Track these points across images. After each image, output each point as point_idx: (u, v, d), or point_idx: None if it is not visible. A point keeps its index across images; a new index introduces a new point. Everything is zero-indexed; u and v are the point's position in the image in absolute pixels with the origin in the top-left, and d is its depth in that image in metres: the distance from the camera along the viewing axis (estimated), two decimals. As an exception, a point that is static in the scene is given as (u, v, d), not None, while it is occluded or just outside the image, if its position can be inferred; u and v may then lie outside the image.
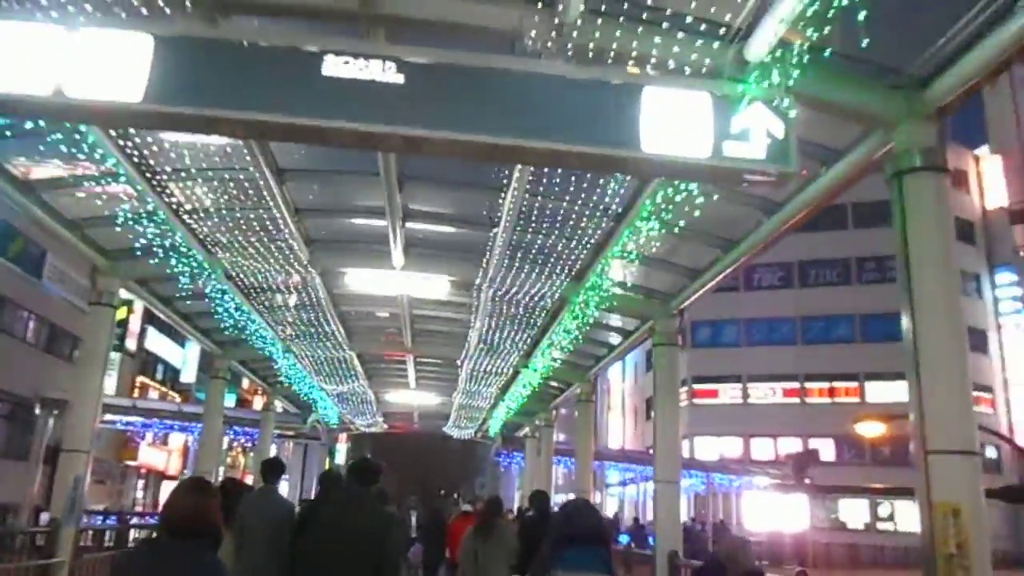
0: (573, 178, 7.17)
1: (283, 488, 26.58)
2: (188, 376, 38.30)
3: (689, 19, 4.68)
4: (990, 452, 37.50)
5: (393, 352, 15.36)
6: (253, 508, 5.46)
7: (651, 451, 34.02)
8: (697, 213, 6.96)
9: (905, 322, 4.63)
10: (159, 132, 6.72)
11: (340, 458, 48.07)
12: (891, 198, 4.87)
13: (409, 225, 8.83)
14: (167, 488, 37.19)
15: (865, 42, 4.07)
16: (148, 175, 7.13)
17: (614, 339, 12.48)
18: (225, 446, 38.77)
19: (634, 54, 4.75)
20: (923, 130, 4.71)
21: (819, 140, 5.76)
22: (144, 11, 4.75)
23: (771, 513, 29.10)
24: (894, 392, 35.85)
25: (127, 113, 4.38)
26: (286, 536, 5.52)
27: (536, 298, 10.07)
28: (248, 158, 7.10)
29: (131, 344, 31.95)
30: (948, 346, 4.40)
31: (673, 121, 4.47)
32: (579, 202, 7.64)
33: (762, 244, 7.40)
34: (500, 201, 7.78)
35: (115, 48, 4.20)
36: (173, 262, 9.14)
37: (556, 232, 8.37)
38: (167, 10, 4.74)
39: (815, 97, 4.82)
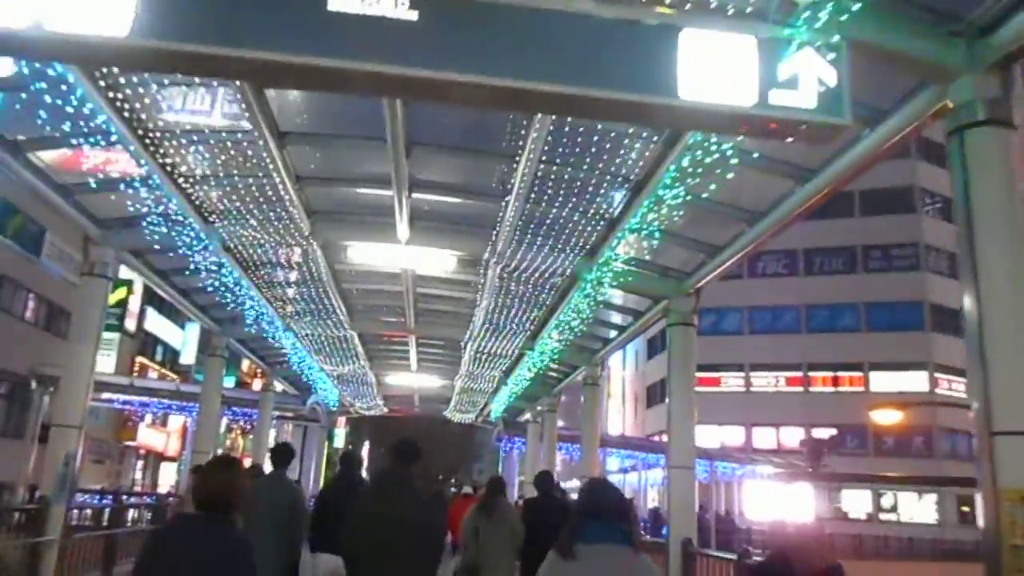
0: (593, 141, 6.75)
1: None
2: (188, 358, 38.02)
3: (731, -44, 4.26)
4: None
5: (395, 333, 14.97)
6: (262, 493, 5.45)
7: (653, 439, 33.72)
8: (724, 181, 6.55)
9: (968, 292, 4.22)
10: (152, 85, 6.30)
11: (339, 442, 47.87)
12: (950, 157, 4.45)
13: (416, 195, 8.41)
14: (166, 469, 37.06)
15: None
16: (140, 133, 6.70)
17: (624, 320, 12.09)
18: (224, 428, 38.68)
19: (670, -8, 4.32)
20: (987, 80, 4.29)
21: (861, 98, 5.32)
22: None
23: (775, 503, 28.88)
24: (899, 382, 35.67)
25: (113, 50, 3.98)
26: (298, 520, 5.70)
27: (546, 275, 9.66)
28: (247, 117, 6.67)
29: (131, 324, 31.67)
30: (1017, 314, 3.99)
31: (714, 66, 4.06)
32: (597, 170, 7.23)
33: (790, 217, 6.97)
34: (513, 169, 7.36)
35: (99, -25, 3.78)
36: (169, 232, 8.74)
37: (571, 203, 7.96)
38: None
39: (868, 44, 4.39)
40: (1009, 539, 3.52)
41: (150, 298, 31.67)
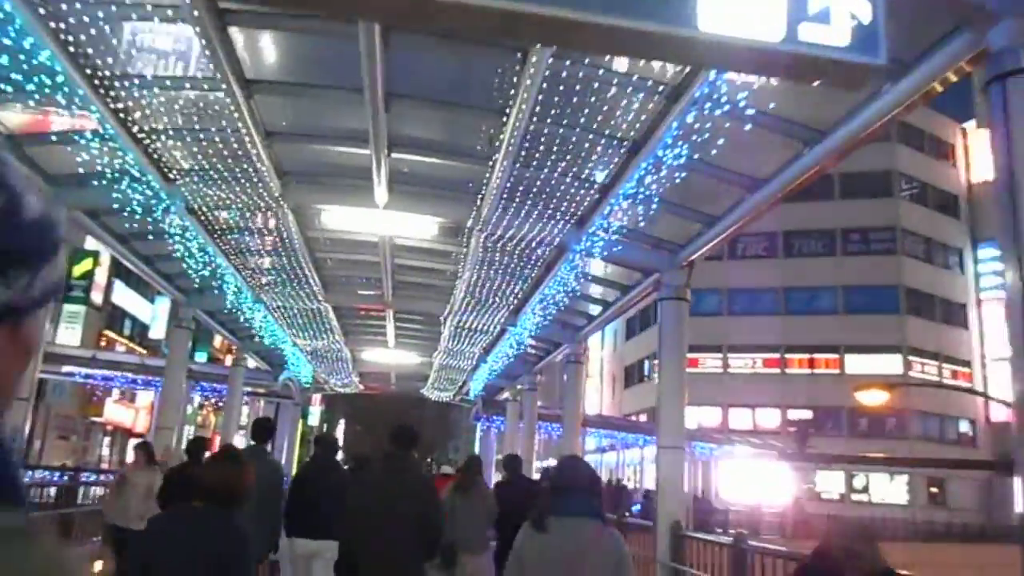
0: (590, 96, 6.25)
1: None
2: (157, 332, 36.97)
3: None
4: (964, 427, 37.88)
5: (372, 306, 14.41)
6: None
7: (631, 418, 33.54)
8: (727, 142, 6.10)
9: (1009, 264, 3.81)
10: (100, 19, 5.65)
11: (313, 420, 47.21)
12: (990, 108, 4.03)
13: (395, 155, 7.84)
14: (132, 445, 36.30)
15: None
16: (89, 73, 6.02)
17: (611, 296, 11.66)
18: (196, 405, 37.85)
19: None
20: (1035, 22, 3.86)
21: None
22: None
23: (751, 484, 28.98)
24: (873, 364, 35.91)
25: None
26: (279, 499, 5.77)
27: (533, 245, 9.17)
28: (209, 61, 6.05)
29: (97, 297, 30.62)
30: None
31: (738, -5, 3.57)
32: (592, 129, 6.73)
33: (793, 184, 6.53)
34: (501, 125, 6.83)
35: None
36: (126, 189, 8.08)
37: (562, 166, 7.45)
38: None
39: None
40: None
41: (118, 271, 30.65)
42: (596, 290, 11.73)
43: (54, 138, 6.94)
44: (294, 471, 15.58)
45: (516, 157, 7.27)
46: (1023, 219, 3.79)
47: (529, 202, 8.33)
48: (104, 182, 8.08)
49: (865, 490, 36.52)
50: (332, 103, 7.22)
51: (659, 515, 7.80)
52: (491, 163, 7.50)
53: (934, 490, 35.78)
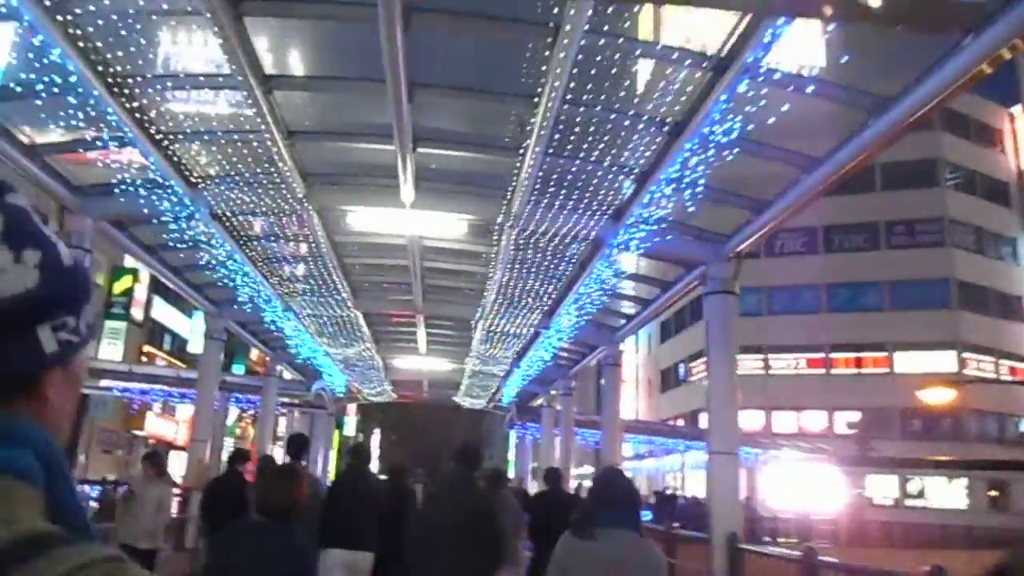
0: (626, 76, 5.78)
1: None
2: (196, 346, 37.37)
3: None
4: (1024, 426, 36.12)
5: (402, 312, 14.07)
6: None
7: (669, 424, 32.58)
8: (775, 117, 5.58)
9: None
10: (113, 19, 5.37)
11: (349, 430, 47.21)
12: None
13: (421, 150, 7.45)
14: (176, 458, 36.59)
15: None
16: (100, 70, 5.73)
17: (650, 293, 11.13)
18: (235, 417, 38.07)
19: None
20: None
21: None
22: None
23: (798, 490, 27.82)
24: (925, 362, 34.46)
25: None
26: (315, 510, 5.65)
27: (567, 240, 8.70)
28: (225, 55, 5.74)
29: (137, 314, 31.07)
30: None
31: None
32: (630, 109, 6.25)
33: (854, 161, 5.96)
34: (530, 111, 6.39)
35: None
36: (150, 197, 7.85)
37: (597, 152, 6.98)
38: None
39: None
40: None
41: (156, 287, 31.08)
42: (634, 287, 11.20)
43: (60, 141, 6.68)
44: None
45: (548, 145, 6.82)
46: None
47: (562, 194, 7.87)
48: (128, 190, 7.87)
49: (921, 495, 34.91)
50: (353, 96, 6.88)
51: (713, 526, 7.24)
52: (521, 153, 7.07)
53: (994, 493, 34.09)
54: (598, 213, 8.07)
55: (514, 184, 7.71)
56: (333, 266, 10.84)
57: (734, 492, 7.76)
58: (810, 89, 5.07)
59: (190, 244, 9.39)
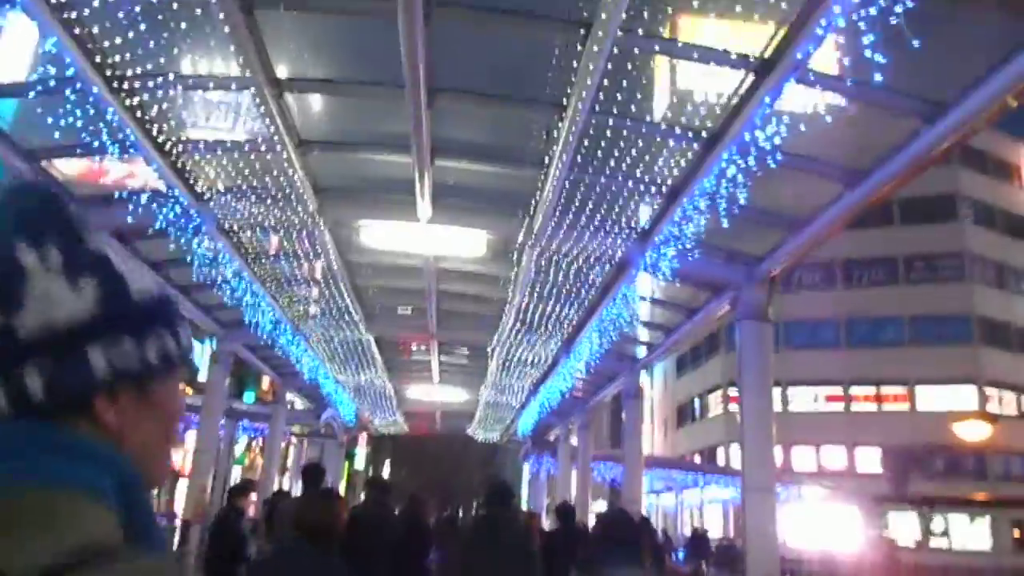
0: (659, 81, 5.41)
1: (297, 488, 24.98)
2: (206, 375, 37.03)
3: None
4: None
5: (416, 337, 13.65)
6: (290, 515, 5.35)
7: (686, 458, 31.77)
8: (824, 124, 5.17)
9: None
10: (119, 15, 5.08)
11: (359, 462, 46.40)
12: None
13: (439, 163, 7.10)
14: (182, 487, 35.89)
15: None
16: (97, 62, 5.37)
17: (674, 319, 10.65)
18: (244, 447, 37.46)
19: None
20: None
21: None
22: None
23: (818, 529, 26.84)
24: (946, 398, 33.57)
25: None
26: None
27: (591, 261, 8.28)
28: (234, 52, 5.43)
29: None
30: None
31: None
32: (663, 119, 5.88)
33: (905, 173, 5.55)
34: (556, 121, 6.04)
35: None
36: (154, 208, 7.51)
37: (625, 166, 6.59)
38: None
39: None
40: None
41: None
42: (658, 314, 10.74)
43: (58, 144, 6.36)
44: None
45: (574, 158, 6.44)
46: None
47: (587, 212, 7.47)
48: (132, 199, 7.55)
49: (944, 534, 33.75)
50: (369, 102, 6.56)
51: (749, 570, 6.66)
52: (544, 167, 6.69)
53: (1017, 533, 32.84)
54: (624, 232, 7.66)
55: (536, 200, 7.33)
56: (346, 287, 10.46)
57: (772, 532, 7.19)
58: (855, 94, 4.66)
59: (197, 260, 9.04)
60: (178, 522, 15.54)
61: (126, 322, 0.77)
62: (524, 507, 24.24)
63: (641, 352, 12.21)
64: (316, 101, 6.59)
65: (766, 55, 4.98)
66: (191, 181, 7.27)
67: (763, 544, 6.95)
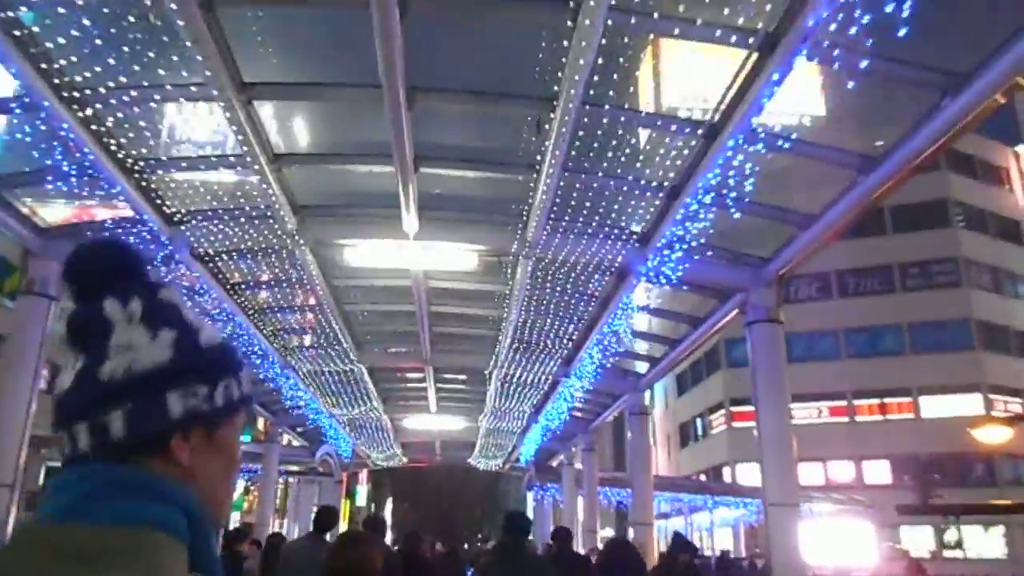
0: (655, 64, 5.02)
1: (295, 530, 24.14)
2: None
3: None
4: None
5: (410, 364, 13.12)
6: (296, 556, 5.51)
7: (695, 477, 31.09)
8: (832, 104, 4.78)
9: None
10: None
11: (361, 499, 45.30)
12: None
13: (424, 170, 6.67)
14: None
15: None
16: (43, 69, 4.93)
17: (677, 332, 10.18)
18: (241, 490, 36.47)
19: None
20: None
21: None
22: None
23: (830, 544, 26.14)
24: (951, 406, 33.09)
25: None
26: None
27: (589, 270, 7.83)
28: (197, 56, 5.01)
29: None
30: None
31: None
32: (662, 108, 5.47)
33: (924, 154, 5.14)
34: (548, 116, 5.63)
35: None
36: (122, 235, 7.03)
37: (621, 162, 6.18)
38: None
39: None
40: None
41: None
42: (661, 326, 10.27)
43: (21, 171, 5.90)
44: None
45: (567, 157, 6.03)
46: None
47: (583, 217, 7.05)
48: (99, 229, 7.09)
49: (959, 545, 33.08)
50: (346, 106, 6.14)
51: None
52: (536, 169, 6.27)
53: (1031, 540, 32.17)
54: (623, 237, 7.23)
55: (529, 206, 6.90)
56: (333, 314, 9.96)
57: (797, 549, 6.65)
58: (870, 68, 4.27)
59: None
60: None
61: (198, 369, 0.84)
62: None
63: (644, 367, 11.71)
64: (289, 110, 6.18)
65: (770, 28, 4.60)
66: (159, 203, 6.81)
67: (790, 560, 6.42)
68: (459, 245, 7.84)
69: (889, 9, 3.61)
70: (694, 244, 6.96)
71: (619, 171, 6.39)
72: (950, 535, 33.07)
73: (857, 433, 35.27)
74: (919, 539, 32.87)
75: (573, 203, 6.89)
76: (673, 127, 5.65)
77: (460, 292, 9.80)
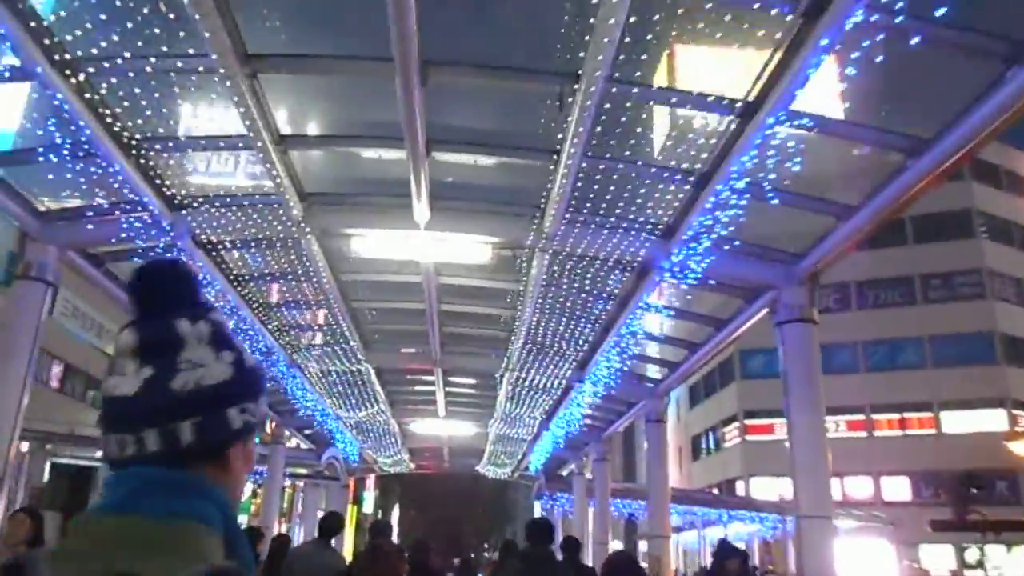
0: (687, 40, 4.63)
1: (300, 535, 23.77)
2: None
3: None
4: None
5: (418, 366, 12.73)
6: (300, 561, 5.62)
7: (707, 491, 30.48)
8: (879, 74, 4.37)
9: None
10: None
11: (368, 506, 44.92)
12: None
13: (436, 155, 6.30)
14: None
15: None
16: (44, 45, 4.63)
17: (699, 335, 9.73)
18: (249, 493, 36.24)
19: None
20: None
21: None
22: None
23: (851, 562, 25.45)
24: (973, 421, 32.24)
25: None
26: None
27: (609, 266, 7.42)
28: (198, 25, 4.68)
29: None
30: None
31: None
32: (692, 90, 5.07)
33: (984, 134, 4.70)
34: (570, 93, 5.24)
35: None
36: (120, 217, 6.73)
37: (649, 145, 5.78)
38: None
39: None
40: None
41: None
42: (682, 328, 9.83)
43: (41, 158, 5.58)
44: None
45: (589, 139, 5.63)
46: None
47: (604, 207, 6.64)
48: (98, 212, 6.78)
49: (980, 565, 32.14)
50: (355, 84, 5.78)
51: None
52: (556, 153, 5.87)
53: (1054, 561, 31.20)
54: (647, 229, 6.81)
55: (546, 194, 6.50)
56: (340, 311, 9.60)
57: (831, 565, 6.18)
58: (924, 37, 3.84)
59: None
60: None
61: (249, 386, 0.97)
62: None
63: (662, 372, 11.25)
64: (296, 88, 5.83)
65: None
66: (160, 184, 6.47)
67: (822, 574, 5.95)
68: (472, 236, 7.44)
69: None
70: (723, 235, 6.54)
71: (644, 157, 5.99)
72: (971, 554, 32.21)
73: (876, 448, 34.45)
74: (939, 558, 32.01)
75: (594, 191, 6.49)
76: (709, 101, 5.21)
77: (472, 290, 9.41)
